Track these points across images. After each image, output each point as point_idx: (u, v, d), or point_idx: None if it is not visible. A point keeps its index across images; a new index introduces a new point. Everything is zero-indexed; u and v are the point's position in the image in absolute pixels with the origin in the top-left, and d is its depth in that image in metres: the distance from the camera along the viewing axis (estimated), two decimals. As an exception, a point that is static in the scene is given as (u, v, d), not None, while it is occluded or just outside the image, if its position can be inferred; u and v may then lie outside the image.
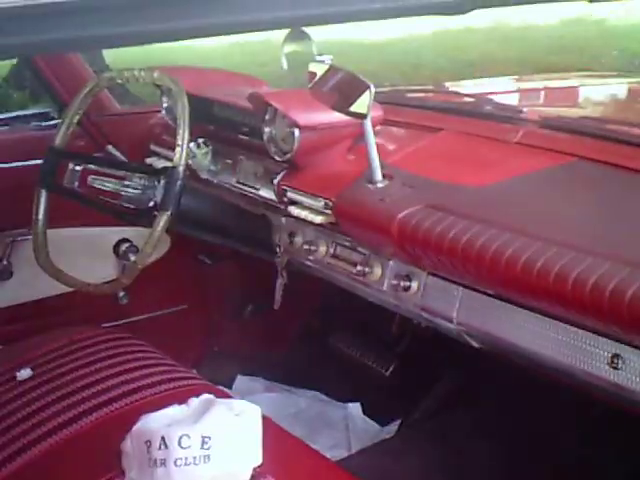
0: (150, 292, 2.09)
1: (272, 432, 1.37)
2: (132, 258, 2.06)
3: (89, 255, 2.13)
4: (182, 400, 1.41)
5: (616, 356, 1.20)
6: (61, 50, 1.54)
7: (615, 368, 1.20)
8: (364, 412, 2.15)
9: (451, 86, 2.42)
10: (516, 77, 3.16)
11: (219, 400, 1.42)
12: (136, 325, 2.16)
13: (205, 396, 1.43)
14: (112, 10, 0.65)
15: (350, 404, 2.16)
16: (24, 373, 1.58)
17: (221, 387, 1.65)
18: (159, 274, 2.06)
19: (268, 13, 0.69)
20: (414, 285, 1.51)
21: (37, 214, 1.81)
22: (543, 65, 5.83)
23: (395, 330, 2.05)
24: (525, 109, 1.82)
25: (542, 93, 2.49)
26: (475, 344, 1.46)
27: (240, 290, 2.34)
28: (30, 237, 1.86)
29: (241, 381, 2.26)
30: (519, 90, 2.56)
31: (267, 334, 2.30)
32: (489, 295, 1.37)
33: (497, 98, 2.06)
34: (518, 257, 1.23)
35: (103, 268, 2.13)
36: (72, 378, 1.56)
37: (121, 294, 2.04)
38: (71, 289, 1.89)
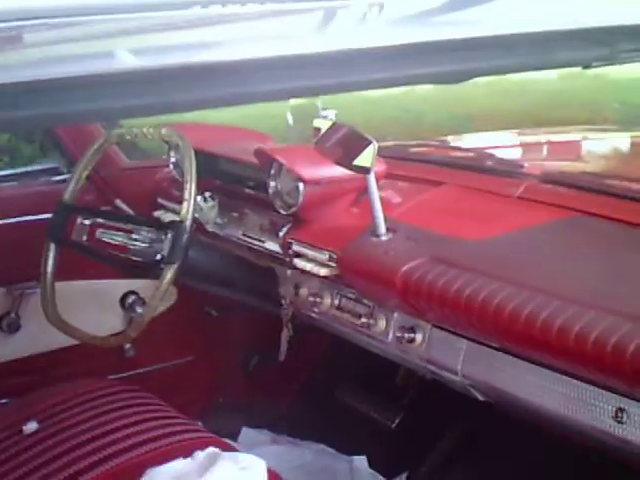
0: (156, 344, 2.09)
1: (278, 486, 1.37)
2: (139, 310, 2.08)
3: (96, 307, 2.14)
4: (188, 453, 1.42)
5: (620, 410, 1.21)
6: (77, 122, 1.59)
7: (620, 422, 1.21)
8: (370, 465, 2.13)
9: (453, 140, 2.46)
10: (517, 131, 3.20)
11: (224, 454, 1.42)
12: (142, 377, 2.16)
13: (210, 449, 1.44)
14: (126, 83, 0.68)
15: (356, 457, 2.15)
16: (30, 426, 1.59)
17: (226, 439, 1.65)
18: (166, 326, 2.08)
19: (278, 85, 0.72)
20: (418, 337, 1.52)
21: (46, 267, 1.83)
22: (544, 119, 5.89)
23: (400, 382, 2.05)
24: (526, 164, 1.85)
25: (543, 147, 2.52)
26: (480, 397, 1.47)
27: (246, 342, 2.35)
28: (38, 290, 1.88)
29: (246, 433, 2.26)
30: (520, 144, 2.60)
31: (273, 386, 2.29)
32: (493, 348, 1.38)
33: (498, 152, 2.09)
34: (520, 311, 1.24)
35: (110, 320, 2.14)
36: (78, 431, 1.57)
37: (127, 346, 2.05)
38: (78, 342, 1.90)
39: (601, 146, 2.54)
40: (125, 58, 0.65)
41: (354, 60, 0.73)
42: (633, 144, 2.54)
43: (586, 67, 0.92)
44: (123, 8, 0.63)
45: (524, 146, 2.54)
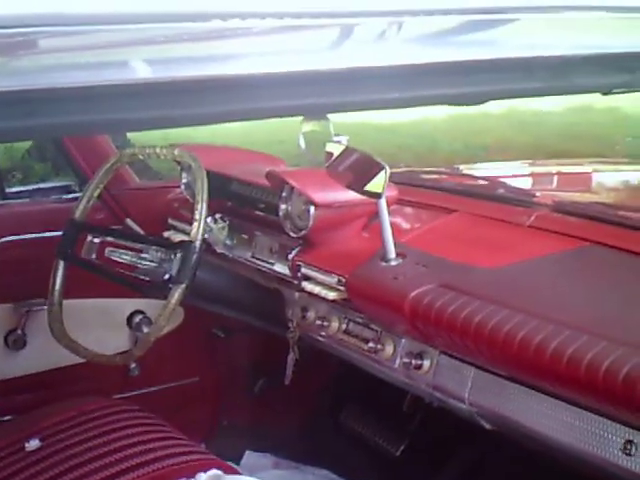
0: (162, 364, 2.09)
1: (280, 511, 1.35)
2: (145, 330, 2.07)
3: (103, 326, 2.13)
4: (190, 475, 1.41)
5: (629, 442, 1.19)
6: (89, 133, 1.59)
7: (628, 454, 1.19)
8: (374, 492, 2.11)
9: (465, 169, 2.46)
10: (529, 161, 3.21)
11: (227, 477, 1.41)
12: (147, 397, 2.15)
13: (213, 472, 1.43)
14: (136, 95, 0.68)
15: (360, 484, 2.13)
16: (33, 444, 1.58)
17: (229, 462, 1.64)
18: (171, 346, 2.07)
19: (288, 101, 0.72)
20: (426, 364, 1.51)
21: (54, 285, 1.83)
22: (557, 151, 5.90)
23: (406, 408, 2.03)
24: (538, 193, 1.85)
25: (555, 178, 2.53)
26: (487, 425, 1.45)
27: (252, 364, 2.34)
28: (45, 307, 1.88)
29: (250, 457, 2.24)
30: (532, 174, 2.60)
31: (277, 409, 2.28)
32: (501, 376, 1.37)
33: (510, 182, 2.09)
34: (531, 339, 1.23)
35: (116, 339, 2.14)
36: (80, 450, 1.56)
37: (132, 365, 2.04)
38: (83, 360, 1.90)
39: (612, 179, 2.54)
40: (138, 69, 0.65)
41: (370, 78, 0.73)
42: (645, 177, 2.54)
43: (606, 93, 0.92)
44: (140, 18, 0.63)
45: (536, 176, 2.54)
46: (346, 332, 1.70)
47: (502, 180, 2.08)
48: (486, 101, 0.89)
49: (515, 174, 2.46)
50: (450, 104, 0.84)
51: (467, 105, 0.86)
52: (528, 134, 7.29)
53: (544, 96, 0.91)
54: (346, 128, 1.91)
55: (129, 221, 2.21)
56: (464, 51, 0.79)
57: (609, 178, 2.54)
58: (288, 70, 0.72)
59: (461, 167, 2.52)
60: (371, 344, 1.60)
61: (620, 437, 1.20)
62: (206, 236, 1.73)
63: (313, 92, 0.73)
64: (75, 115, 0.68)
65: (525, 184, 2.34)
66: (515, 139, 7.02)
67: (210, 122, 0.78)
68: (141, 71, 0.67)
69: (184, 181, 2.05)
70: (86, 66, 0.65)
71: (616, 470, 1.21)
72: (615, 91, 0.91)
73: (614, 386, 1.11)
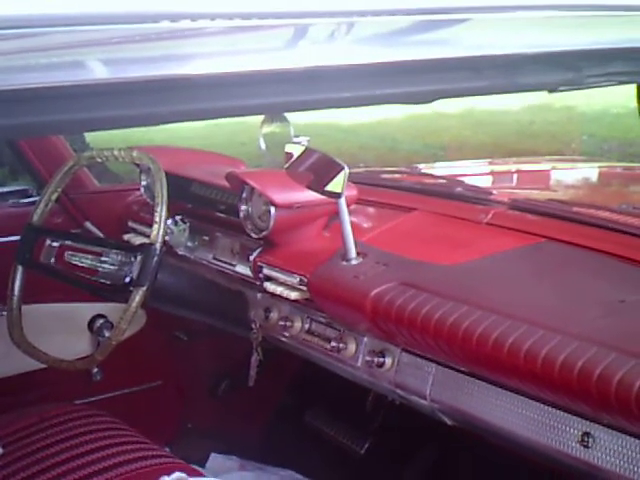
0: (124, 368, 2.07)
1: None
2: (107, 334, 2.06)
3: (63, 331, 2.12)
4: (154, 478, 1.40)
5: (586, 434, 1.22)
6: (44, 133, 1.58)
7: (585, 446, 1.21)
8: (339, 492, 2.12)
9: (424, 168, 2.48)
10: (488, 160, 3.25)
11: (191, 479, 1.41)
12: (109, 401, 2.14)
13: (177, 475, 1.42)
14: (95, 95, 0.68)
15: (325, 483, 2.14)
16: (-5, 450, 1.56)
17: (194, 465, 1.63)
18: (134, 350, 2.06)
19: (251, 100, 0.73)
20: (388, 361, 1.52)
21: (12, 290, 1.81)
22: (515, 149, 5.98)
23: (369, 407, 2.04)
24: (495, 191, 1.87)
25: (513, 176, 2.56)
26: (448, 421, 1.47)
27: (215, 366, 2.33)
28: (4, 313, 1.86)
29: (215, 459, 2.23)
30: (491, 173, 2.63)
31: (242, 411, 2.28)
32: (462, 372, 1.38)
33: (469, 180, 2.11)
34: (489, 335, 1.25)
35: (77, 344, 2.12)
36: (43, 456, 1.55)
37: (95, 370, 2.03)
38: (44, 365, 1.88)
39: (568, 176, 2.58)
40: (94, 69, 0.66)
41: (323, 78, 0.74)
42: (600, 174, 2.59)
43: (552, 91, 0.94)
44: (92, 19, 0.63)
45: (494, 175, 2.58)
46: (309, 332, 1.71)
47: (460, 179, 2.10)
48: (435, 100, 0.90)
49: (474, 173, 2.50)
50: (400, 103, 0.85)
51: (416, 104, 0.88)
52: (486, 133, 7.37)
53: (492, 94, 0.93)
54: (308, 129, 1.92)
55: (88, 224, 2.20)
56: (413, 51, 0.80)
57: (565, 176, 2.59)
58: (241, 70, 0.73)
59: (420, 166, 2.55)
60: (333, 343, 1.61)
61: (577, 429, 1.22)
62: (167, 238, 1.73)
63: (268, 91, 0.74)
64: (30, 116, 0.68)
65: (483, 182, 2.38)
66: (473, 138, 7.09)
67: (166, 121, 0.78)
68: (96, 71, 0.67)
69: (143, 183, 2.04)
70: (40, 67, 0.65)
71: (574, 462, 1.23)
72: (561, 89, 0.93)
73: (570, 379, 1.14)
